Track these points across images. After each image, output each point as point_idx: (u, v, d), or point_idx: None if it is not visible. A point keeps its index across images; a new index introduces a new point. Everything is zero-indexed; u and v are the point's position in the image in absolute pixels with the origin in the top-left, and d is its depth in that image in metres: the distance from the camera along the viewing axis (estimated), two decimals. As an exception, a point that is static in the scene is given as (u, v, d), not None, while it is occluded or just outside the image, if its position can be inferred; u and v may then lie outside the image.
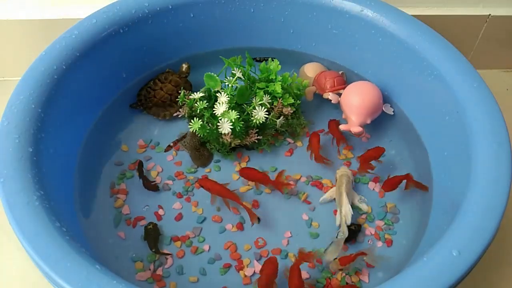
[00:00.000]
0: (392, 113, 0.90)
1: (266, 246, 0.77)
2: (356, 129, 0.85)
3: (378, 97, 0.88)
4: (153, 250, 0.75)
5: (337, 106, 0.92)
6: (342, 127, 0.86)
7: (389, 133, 0.90)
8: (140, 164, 0.85)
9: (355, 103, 0.87)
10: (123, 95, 0.93)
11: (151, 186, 0.82)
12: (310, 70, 0.96)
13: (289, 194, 0.83)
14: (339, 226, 0.77)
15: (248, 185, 0.84)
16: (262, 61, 0.89)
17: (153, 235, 0.77)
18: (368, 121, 0.87)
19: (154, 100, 0.91)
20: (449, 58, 0.83)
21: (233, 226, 0.79)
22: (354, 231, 0.78)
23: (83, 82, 0.83)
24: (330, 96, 0.91)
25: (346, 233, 0.75)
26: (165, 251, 0.76)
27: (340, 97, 0.91)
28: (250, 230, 0.79)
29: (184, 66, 0.94)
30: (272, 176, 0.83)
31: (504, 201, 0.67)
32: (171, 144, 0.86)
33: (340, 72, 0.95)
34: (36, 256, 0.60)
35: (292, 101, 0.87)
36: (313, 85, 0.95)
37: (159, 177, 0.84)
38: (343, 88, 0.92)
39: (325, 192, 0.83)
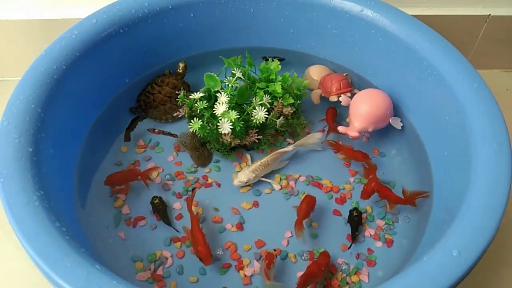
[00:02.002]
0: (400, 128, 0.89)
1: (266, 246, 0.77)
2: (353, 133, 0.85)
3: (387, 108, 0.87)
4: (165, 222, 0.78)
5: (338, 106, 0.92)
6: (340, 128, 0.86)
7: (389, 133, 0.90)
8: (137, 119, 0.89)
9: (362, 110, 0.86)
10: (122, 95, 0.93)
11: (126, 137, 0.87)
12: (315, 73, 0.96)
13: (288, 194, 0.83)
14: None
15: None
16: (273, 60, 0.89)
17: (161, 208, 0.79)
18: (370, 130, 0.86)
19: (154, 104, 0.91)
20: (449, 58, 0.82)
21: (232, 226, 0.79)
22: (358, 217, 0.79)
23: (83, 82, 0.83)
24: (341, 98, 0.90)
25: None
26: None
27: (351, 100, 0.90)
28: (250, 230, 0.79)
29: (181, 65, 0.94)
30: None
31: (504, 201, 0.67)
32: (156, 130, 0.88)
33: (345, 74, 0.95)
34: (36, 256, 0.60)
35: (292, 101, 0.87)
36: (318, 88, 0.94)
37: (159, 177, 0.84)
38: (349, 91, 0.92)
39: (325, 193, 0.83)
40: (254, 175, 0.82)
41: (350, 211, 0.80)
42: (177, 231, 0.78)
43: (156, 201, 0.80)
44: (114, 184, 0.81)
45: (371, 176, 0.81)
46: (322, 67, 0.97)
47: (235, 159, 0.87)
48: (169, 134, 0.88)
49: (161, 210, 0.79)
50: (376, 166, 0.84)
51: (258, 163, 0.83)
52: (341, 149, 0.86)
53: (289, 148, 0.86)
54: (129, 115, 0.92)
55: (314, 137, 0.88)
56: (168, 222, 0.78)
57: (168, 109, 0.91)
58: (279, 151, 0.85)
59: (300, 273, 0.73)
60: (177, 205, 0.81)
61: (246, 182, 0.82)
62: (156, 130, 0.88)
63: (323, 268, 0.71)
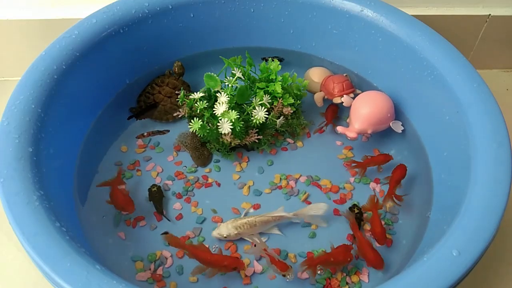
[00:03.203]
0: (400, 132, 0.88)
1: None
2: (352, 134, 0.84)
3: (387, 111, 0.86)
4: (158, 211, 0.79)
5: (340, 106, 0.92)
6: (339, 129, 0.86)
7: (389, 133, 0.90)
8: (151, 106, 0.90)
9: (363, 111, 0.85)
10: (122, 95, 0.93)
11: (131, 116, 0.89)
12: (315, 75, 0.95)
13: (288, 194, 0.83)
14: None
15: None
16: (273, 60, 0.89)
17: (157, 197, 0.80)
18: (369, 132, 0.85)
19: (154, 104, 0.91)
20: (449, 58, 0.82)
21: (233, 226, 0.79)
22: (359, 213, 0.79)
23: (83, 82, 0.83)
24: (342, 98, 0.90)
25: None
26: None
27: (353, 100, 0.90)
28: (250, 230, 0.79)
29: (176, 65, 0.94)
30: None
31: (504, 201, 0.67)
32: (145, 134, 0.87)
33: (345, 75, 0.95)
34: (36, 256, 0.60)
35: (292, 101, 0.87)
36: (320, 91, 0.94)
37: (159, 177, 0.84)
38: (352, 92, 0.92)
39: (324, 193, 0.83)
40: (236, 232, 0.75)
41: (351, 209, 0.80)
42: (169, 221, 0.79)
43: (154, 189, 0.81)
44: (121, 204, 0.78)
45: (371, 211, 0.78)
46: (322, 69, 0.96)
47: (235, 159, 0.87)
48: (159, 132, 0.87)
49: (156, 198, 0.80)
50: (379, 204, 0.79)
51: (245, 220, 0.76)
52: (362, 165, 0.84)
53: (285, 214, 0.77)
54: (129, 114, 0.91)
55: (318, 207, 0.78)
56: (161, 211, 0.79)
57: (168, 109, 0.91)
58: (273, 214, 0.77)
59: (300, 273, 0.73)
60: (177, 205, 0.81)
61: (225, 237, 0.75)
62: (145, 134, 0.87)
63: (341, 258, 0.72)
